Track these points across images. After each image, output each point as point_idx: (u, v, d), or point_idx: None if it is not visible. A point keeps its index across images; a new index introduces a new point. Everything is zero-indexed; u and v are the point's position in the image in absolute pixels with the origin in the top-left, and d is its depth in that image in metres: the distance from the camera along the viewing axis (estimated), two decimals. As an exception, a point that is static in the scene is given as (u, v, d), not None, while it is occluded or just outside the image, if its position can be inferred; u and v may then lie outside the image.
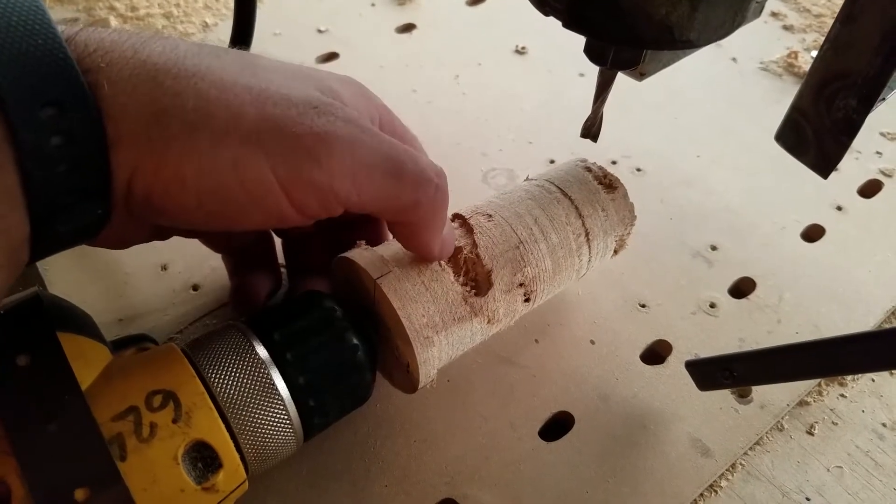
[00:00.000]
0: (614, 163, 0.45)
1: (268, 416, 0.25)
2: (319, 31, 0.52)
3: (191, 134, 0.21)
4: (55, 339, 0.22)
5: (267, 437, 0.25)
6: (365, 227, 0.33)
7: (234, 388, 0.24)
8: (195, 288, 0.37)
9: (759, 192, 0.44)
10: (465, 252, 0.30)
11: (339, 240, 0.31)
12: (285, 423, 0.25)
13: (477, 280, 0.30)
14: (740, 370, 0.30)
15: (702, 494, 0.31)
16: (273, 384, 0.25)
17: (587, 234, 0.32)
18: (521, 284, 0.31)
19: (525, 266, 0.30)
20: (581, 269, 0.33)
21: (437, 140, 0.43)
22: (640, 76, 0.30)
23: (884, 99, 0.25)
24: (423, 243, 0.27)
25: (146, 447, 0.22)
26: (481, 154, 0.45)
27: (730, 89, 0.51)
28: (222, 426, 0.24)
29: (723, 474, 0.32)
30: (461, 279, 0.29)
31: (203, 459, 0.23)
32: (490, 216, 0.31)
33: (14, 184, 0.19)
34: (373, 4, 0.55)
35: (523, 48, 0.52)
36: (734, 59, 0.53)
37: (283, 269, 0.35)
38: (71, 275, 0.37)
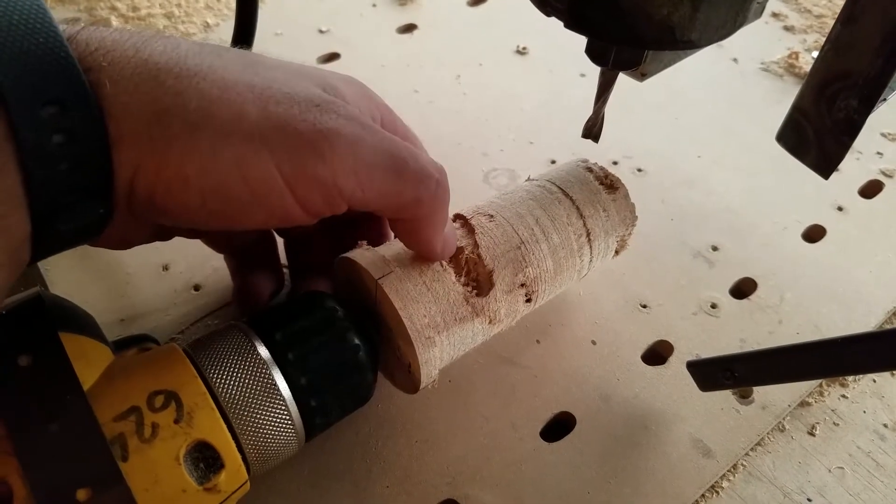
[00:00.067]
0: (615, 163, 0.45)
1: (269, 416, 0.25)
2: (321, 32, 0.52)
3: (193, 133, 0.21)
4: (57, 339, 0.22)
5: (269, 438, 0.25)
6: (366, 226, 0.33)
7: (235, 388, 0.24)
8: (196, 288, 0.37)
9: (760, 193, 0.44)
10: (466, 252, 0.30)
11: (341, 240, 0.31)
12: (287, 424, 0.25)
13: (478, 280, 0.30)
14: (741, 371, 0.30)
15: (703, 495, 0.31)
16: (275, 384, 0.25)
17: (588, 235, 0.32)
18: (522, 285, 0.31)
19: (526, 266, 0.30)
20: (582, 270, 0.33)
21: (438, 140, 0.43)
22: (642, 77, 0.29)
23: (885, 99, 0.25)
24: (426, 240, 0.27)
25: (148, 447, 0.22)
26: (482, 154, 0.45)
27: (731, 90, 0.51)
28: (224, 426, 0.24)
29: (724, 475, 0.32)
30: (463, 279, 0.29)
31: (205, 460, 0.23)
32: (491, 216, 0.31)
33: (15, 183, 0.19)
34: (374, 5, 0.55)
35: (524, 48, 0.52)
36: (735, 60, 0.53)
37: (285, 270, 0.35)
38: (72, 275, 0.37)
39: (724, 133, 0.48)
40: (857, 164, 0.46)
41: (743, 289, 0.40)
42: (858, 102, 0.24)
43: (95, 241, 0.23)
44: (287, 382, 0.25)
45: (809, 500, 0.31)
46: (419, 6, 0.55)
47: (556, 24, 0.27)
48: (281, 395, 0.25)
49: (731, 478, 0.32)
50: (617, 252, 0.35)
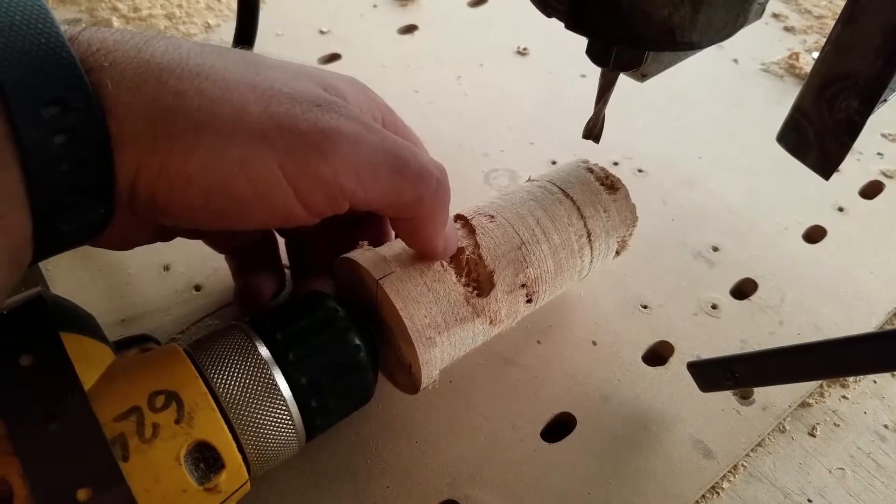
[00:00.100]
0: (616, 164, 0.45)
1: (270, 416, 0.25)
2: (321, 32, 0.52)
3: (195, 133, 0.21)
4: (58, 339, 0.22)
5: (269, 438, 0.25)
6: (367, 226, 0.33)
7: (236, 388, 0.24)
8: (197, 288, 0.37)
9: (761, 193, 0.44)
10: (467, 253, 0.30)
11: (342, 240, 0.31)
12: (287, 424, 0.25)
13: (479, 281, 0.30)
14: (742, 371, 0.30)
15: (703, 496, 0.31)
16: (275, 384, 0.25)
17: (589, 235, 0.32)
18: (523, 285, 0.31)
19: (527, 267, 0.30)
20: (583, 270, 0.33)
21: (438, 140, 0.43)
22: (642, 77, 0.29)
23: (885, 100, 0.25)
24: (427, 239, 0.27)
25: (148, 447, 0.22)
26: (483, 154, 0.45)
27: (731, 90, 0.51)
28: (225, 427, 0.24)
29: (725, 475, 0.32)
30: (463, 280, 0.29)
31: (205, 460, 0.23)
32: (492, 217, 0.31)
33: (16, 182, 0.19)
34: (374, 5, 0.55)
35: (525, 49, 0.53)
36: (736, 61, 0.53)
37: (286, 270, 0.35)
38: (73, 275, 0.37)
39: (725, 134, 0.48)
40: (857, 165, 0.46)
41: (743, 289, 0.40)
42: (859, 103, 0.24)
43: (96, 242, 0.23)
44: (288, 382, 0.25)
45: (810, 500, 0.31)
46: (419, 7, 0.55)
47: (556, 24, 0.27)
48: (281, 395, 0.25)
49: (732, 478, 0.32)
50: (618, 252, 0.35)
